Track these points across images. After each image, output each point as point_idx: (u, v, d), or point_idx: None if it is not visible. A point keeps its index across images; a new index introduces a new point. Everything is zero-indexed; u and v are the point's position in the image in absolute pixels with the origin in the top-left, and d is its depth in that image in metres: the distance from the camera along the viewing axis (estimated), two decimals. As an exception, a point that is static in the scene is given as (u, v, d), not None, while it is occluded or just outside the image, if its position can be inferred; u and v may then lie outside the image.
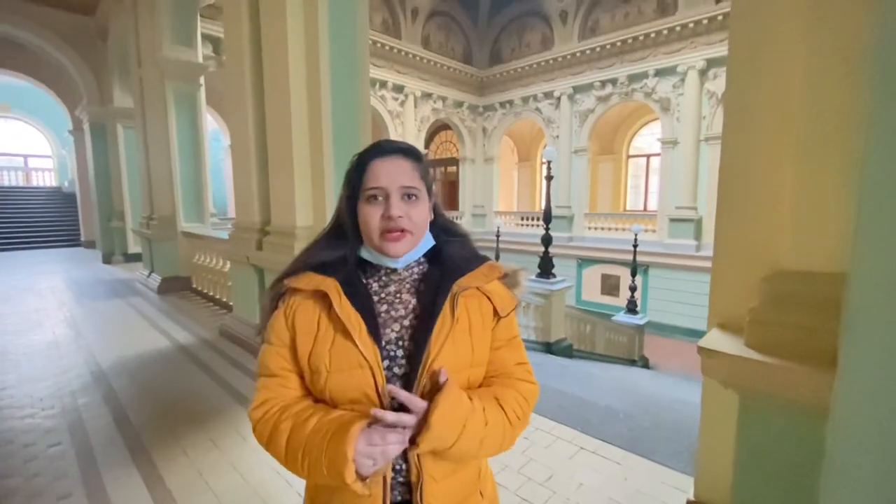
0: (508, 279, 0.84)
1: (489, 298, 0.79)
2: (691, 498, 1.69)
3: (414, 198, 0.76)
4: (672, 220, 12.39)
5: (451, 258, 0.81)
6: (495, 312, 0.79)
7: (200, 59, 6.39)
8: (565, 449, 2.36)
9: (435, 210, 0.84)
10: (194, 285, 6.18)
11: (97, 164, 9.52)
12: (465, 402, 0.70)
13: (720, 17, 10.86)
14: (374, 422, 0.65)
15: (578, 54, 13.78)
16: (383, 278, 0.80)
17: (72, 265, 9.20)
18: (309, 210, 3.43)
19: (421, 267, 0.82)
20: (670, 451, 2.33)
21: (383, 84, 13.59)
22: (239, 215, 4.24)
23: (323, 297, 0.74)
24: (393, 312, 0.77)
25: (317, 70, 3.19)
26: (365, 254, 0.79)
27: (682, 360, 9.77)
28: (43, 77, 11.19)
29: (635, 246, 10.99)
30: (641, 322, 9.95)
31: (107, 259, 9.34)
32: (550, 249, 7.56)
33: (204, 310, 5.32)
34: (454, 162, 18.13)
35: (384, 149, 0.78)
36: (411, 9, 13.69)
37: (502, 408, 0.74)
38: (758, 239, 1.38)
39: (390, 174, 0.75)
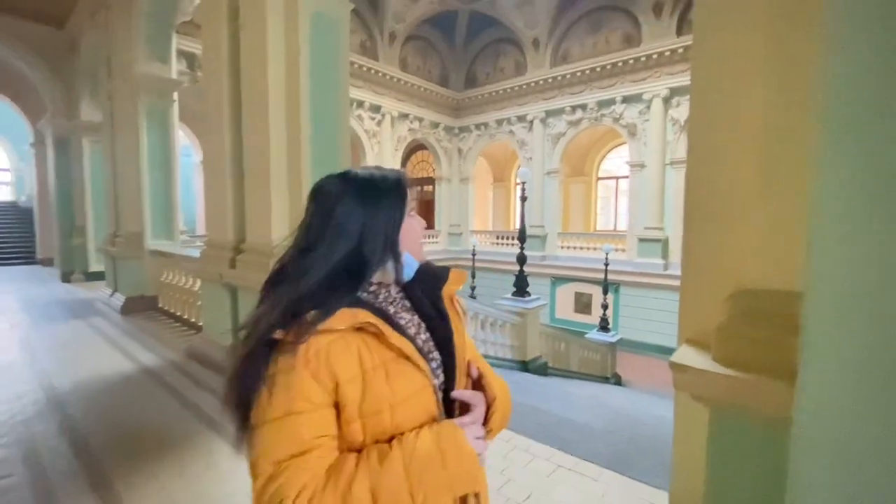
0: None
1: (458, 302, 0.89)
2: (666, 512, 1.72)
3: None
4: (641, 239, 12.82)
5: (425, 271, 0.86)
6: (462, 309, 0.89)
7: (175, 75, 6.31)
8: (543, 467, 2.37)
9: None
10: (161, 305, 5.94)
11: (59, 179, 9.13)
12: (501, 382, 0.83)
13: (681, 50, 11.55)
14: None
15: (550, 80, 14.32)
16: (381, 301, 0.80)
17: (27, 284, 8.70)
18: (286, 226, 3.39)
19: (398, 285, 0.85)
20: (646, 467, 2.37)
21: (360, 104, 13.70)
22: (211, 232, 4.15)
23: (358, 333, 0.67)
24: (409, 331, 0.78)
25: (296, 88, 3.20)
26: (389, 268, 0.77)
27: (654, 377, 9.98)
28: (3, 89, 10.76)
29: (606, 265, 11.29)
30: (613, 340, 10.15)
31: (66, 277, 8.88)
32: (525, 268, 7.68)
33: (171, 330, 5.11)
34: (430, 181, 18.31)
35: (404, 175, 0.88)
36: (389, 32, 13.96)
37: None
38: (723, 258, 1.46)
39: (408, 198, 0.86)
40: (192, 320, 5.13)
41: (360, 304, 0.71)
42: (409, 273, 0.81)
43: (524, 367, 6.63)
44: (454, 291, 0.87)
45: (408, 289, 0.84)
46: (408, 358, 0.70)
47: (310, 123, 3.25)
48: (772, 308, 1.30)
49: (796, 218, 1.28)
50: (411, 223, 0.83)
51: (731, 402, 1.29)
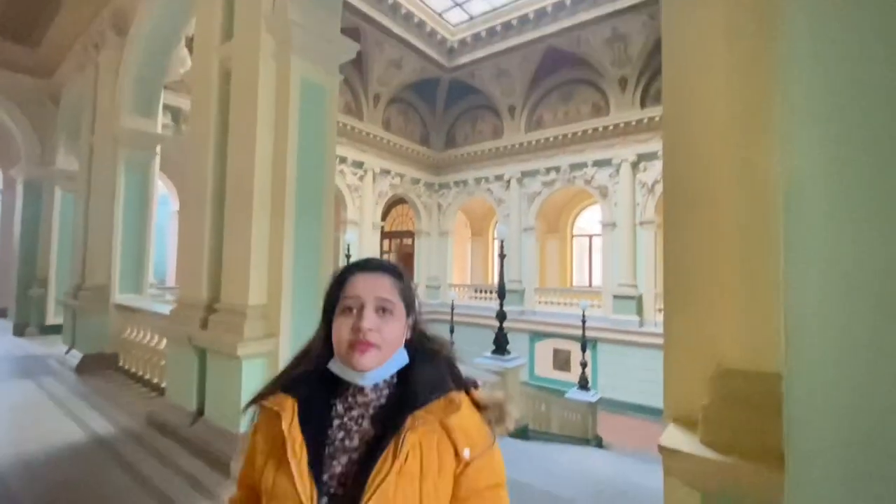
0: (490, 413, 0.76)
1: (450, 435, 0.69)
2: None
3: (388, 313, 0.75)
4: (616, 296, 13.06)
5: (415, 383, 0.74)
6: (457, 453, 0.69)
7: (159, 130, 6.37)
8: (529, 551, 2.23)
9: (417, 327, 0.83)
10: (121, 363, 5.58)
11: (25, 226, 8.80)
12: None
13: (645, 120, 12.47)
14: None
15: (525, 144, 15.11)
16: (349, 399, 0.75)
17: (-28, 338, 8.08)
18: (263, 288, 3.32)
19: (390, 389, 0.77)
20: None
21: (343, 160, 14.03)
22: (184, 290, 4.02)
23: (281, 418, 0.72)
24: (347, 442, 0.71)
25: (283, 154, 3.26)
26: (333, 367, 0.76)
27: (634, 438, 9.78)
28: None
29: (584, 321, 11.38)
30: (594, 399, 10.02)
31: (19, 331, 8.31)
32: (504, 323, 7.66)
33: (130, 392, 4.77)
34: (410, 234, 18.49)
35: (366, 265, 0.81)
36: (374, 94, 14.63)
37: None
38: (703, 338, 1.49)
39: (367, 287, 0.76)
40: (155, 381, 4.81)
41: (299, 390, 0.76)
42: (376, 379, 0.74)
43: (504, 430, 6.41)
44: (417, 427, 0.67)
45: (392, 397, 0.76)
46: (289, 463, 0.68)
47: (294, 188, 3.29)
48: (753, 390, 1.32)
49: (773, 299, 1.33)
50: (337, 320, 0.75)
51: (721, 489, 1.28)
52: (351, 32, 11.48)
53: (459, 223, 18.89)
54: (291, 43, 3.26)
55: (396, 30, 12.49)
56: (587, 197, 15.67)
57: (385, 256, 19.41)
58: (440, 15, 13.15)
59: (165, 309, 4.80)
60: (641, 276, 12.73)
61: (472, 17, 13.29)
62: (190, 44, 6.66)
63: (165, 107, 8.39)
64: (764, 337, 1.33)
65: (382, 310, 0.75)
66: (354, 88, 14.26)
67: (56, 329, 7.49)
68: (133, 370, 5.28)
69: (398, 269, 0.83)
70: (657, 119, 11.69)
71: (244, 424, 3.07)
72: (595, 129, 13.54)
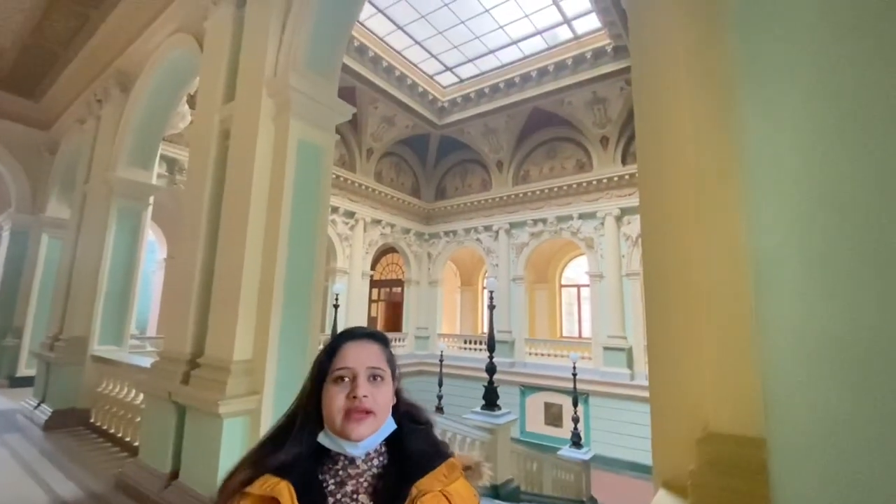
0: (471, 472, 0.83)
1: (449, 500, 0.74)
2: None
3: (380, 379, 0.78)
4: (605, 348, 12.98)
5: (411, 454, 0.78)
6: None
7: (154, 181, 6.48)
8: None
9: (398, 394, 0.85)
10: (93, 420, 5.31)
11: (7, 273, 8.64)
12: None
13: (627, 176, 13.01)
14: None
15: (513, 196, 15.58)
16: (340, 473, 0.76)
17: (-66, 391, 7.65)
18: (249, 343, 3.27)
19: (381, 459, 0.79)
20: None
21: (335, 209, 14.24)
22: (168, 343, 3.94)
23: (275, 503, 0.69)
24: None
25: (277, 211, 3.34)
26: (324, 439, 0.77)
27: (629, 499, 9.37)
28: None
29: (574, 375, 11.21)
30: (587, 457, 9.68)
31: (-15, 383, 7.92)
32: (494, 376, 7.51)
33: (100, 452, 4.52)
34: (399, 283, 18.44)
35: (355, 333, 0.84)
36: (367, 149, 15.15)
37: None
38: (688, 402, 1.52)
39: (359, 356, 0.78)
40: (128, 440, 4.58)
41: (291, 472, 0.72)
42: (368, 447, 0.76)
43: (495, 492, 6.12)
44: (423, 496, 0.71)
45: (388, 468, 0.78)
46: None
47: (287, 245, 3.34)
48: (738, 454, 1.33)
49: (753, 365, 1.37)
50: (330, 390, 0.77)
51: (713, 560, 1.25)
52: (347, 92, 12.09)
53: (449, 273, 18.96)
54: (291, 107, 3.44)
55: (390, 90, 13.17)
56: (574, 248, 15.97)
57: (373, 305, 19.21)
58: (431, 77, 13.95)
59: (145, 362, 4.67)
60: (630, 327, 12.75)
61: (461, 80, 14.11)
62: (191, 100, 6.97)
63: (161, 157, 8.59)
64: (747, 402, 1.36)
65: (373, 377, 0.78)
66: (348, 142, 14.77)
67: (27, 381, 7.17)
68: (105, 427, 5.03)
69: (382, 335, 0.87)
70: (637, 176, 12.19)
71: (221, 489, 2.91)
72: (579, 184, 14.06)
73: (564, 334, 17.07)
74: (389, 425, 0.80)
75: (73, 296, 6.04)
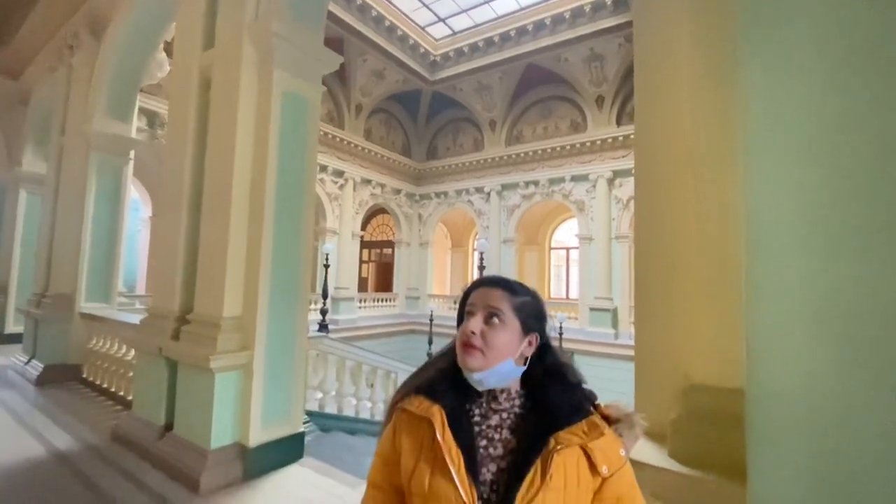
0: (621, 424, 0.82)
1: (589, 455, 0.75)
2: None
3: (496, 320, 0.81)
4: (592, 309, 13.28)
5: (553, 406, 0.80)
6: (596, 471, 0.75)
7: (134, 134, 6.22)
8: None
9: (544, 348, 0.87)
10: (85, 375, 5.36)
11: (-15, 231, 8.42)
12: None
13: (621, 138, 12.85)
14: None
15: (506, 157, 15.35)
16: (484, 406, 0.82)
17: (-79, 347, 7.62)
18: (239, 298, 3.26)
19: (521, 400, 0.83)
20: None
21: (324, 168, 13.94)
22: (155, 300, 3.91)
23: (430, 423, 0.77)
24: (492, 450, 0.77)
25: (263, 165, 3.24)
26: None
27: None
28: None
29: (560, 334, 11.50)
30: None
31: (-27, 340, 7.89)
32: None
33: (94, 406, 4.58)
34: (390, 244, 18.44)
35: (487, 280, 0.88)
36: (356, 104, 14.65)
37: None
38: (673, 354, 1.55)
39: (482, 297, 0.84)
40: (121, 394, 4.64)
41: (443, 397, 0.80)
42: (485, 382, 0.80)
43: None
44: (561, 448, 0.73)
45: (530, 413, 0.81)
46: (448, 466, 0.72)
47: (274, 199, 3.26)
48: (719, 405, 1.38)
49: (738, 317, 1.40)
50: (461, 326, 0.84)
51: (687, 501, 1.32)
52: (334, 43, 11.51)
53: (439, 234, 18.94)
54: (274, 55, 3.26)
55: (380, 42, 12.59)
56: (565, 210, 15.98)
57: (364, 266, 19.25)
58: (423, 29, 13.33)
59: (134, 319, 4.65)
60: (616, 289, 13.00)
61: (454, 32, 13.51)
62: (169, 48, 6.59)
63: (140, 110, 8.23)
64: (729, 353, 1.39)
65: (490, 316, 0.81)
66: (336, 97, 14.25)
67: (16, 338, 7.15)
68: (98, 382, 5.08)
69: (513, 284, 0.88)
70: (632, 137, 12.05)
71: (219, 439, 3.00)
72: (573, 146, 13.87)
73: (552, 296, 17.38)
74: (509, 370, 0.82)
75: (55, 254, 5.93)
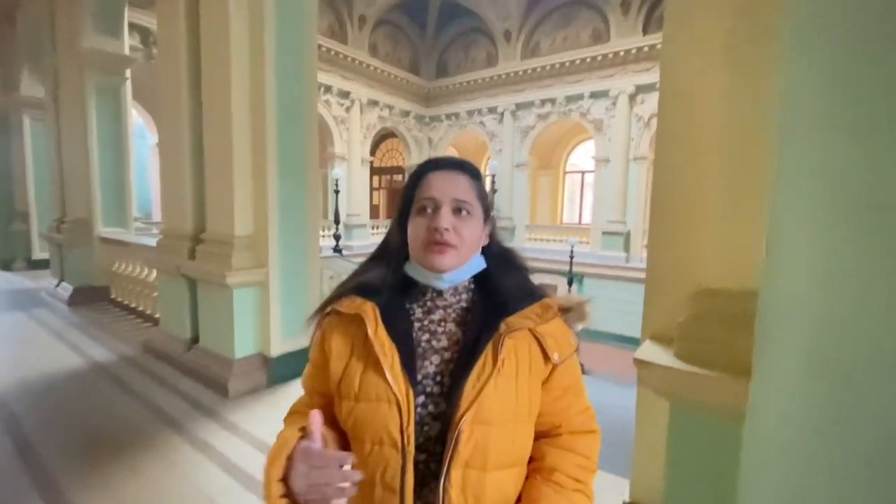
0: (572, 314, 0.77)
1: (540, 342, 0.71)
2: (627, 500, 1.80)
3: (465, 213, 0.73)
4: (604, 233, 13.19)
5: (503, 291, 0.74)
6: (547, 358, 0.71)
7: (127, 51, 5.90)
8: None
9: (491, 235, 0.80)
10: (113, 296, 5.63)
11: (-2, 160, 8.44)
12: None
13: (647, 48, 11.84)
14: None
15: (521, 73, 14.39)
16: (428, 303, 0.75)
17: (-41, 272, 8.03)
18: (249, 218, 3.27)
19: (469, 294, 0.77)
20: (606, 455, 2.45)
21: (328, 89, 13.32)
22: (168, 221, 3.95)
23: (361, 322, 0.71)
24: (434, 343, 0.72)
25: (261, 68, 3.06)
26: (410, 270, 0.76)
27: (612, 365, 10.36)
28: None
29: (571, 258, 11.57)
30: (576, 329, 10.46)
31: (6, 266, 8.26)
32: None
33: (125, 323, 4.86)
34: (400, 171, 18.12)
35: (442, 163, 0.78)
36: (358, 16, 13.59)
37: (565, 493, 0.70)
38: (685, 258, 1.51)
39: (444, 186, 0.73)
40: (148, 312, 4.89)
41: (377, 295, 0.74)
42: (455, 280, 0.74)
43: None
44: (512, 332, 0.68)
45: (477, 302, 0.76)
46: (380, 363, 0.67)
47: (275, 109, 3.13)
48: (731, 307, 1.36)
49: (755, 218, 1.33)
50: (413, 220, 0.74)
51: (690, 398, 1.35)
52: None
53: (451, 159, 18.47)
54: (262, -55, 2.93)
55: (382, -60, 11.34)
56: (581, 132, 15.27)
57: (374, 193, 19.11)
58: (430, -78, 11.91)
59: (152, 241, 4.75)
60: (631, 212, 12.79)
61: (465, -74, 12.06)
62: (151, -50, 6.01)
63: (133, 26, 7.76)
64: (742, 256, 1.35)
65: (459, 210, 0.73)
66: (338, 9, 13.20)
67: (44, 263, 7.44)
68: (125, 302, 5.34)
69: (473, 166, 0.79)
70: (659, 47, 11.11)
71: (243, 350, 3.17)
72: (594, 58, 12.87)
73: (565, 220, 17.23)
74: (476, 262, 0.76)
75: (67, 180, 5.95)
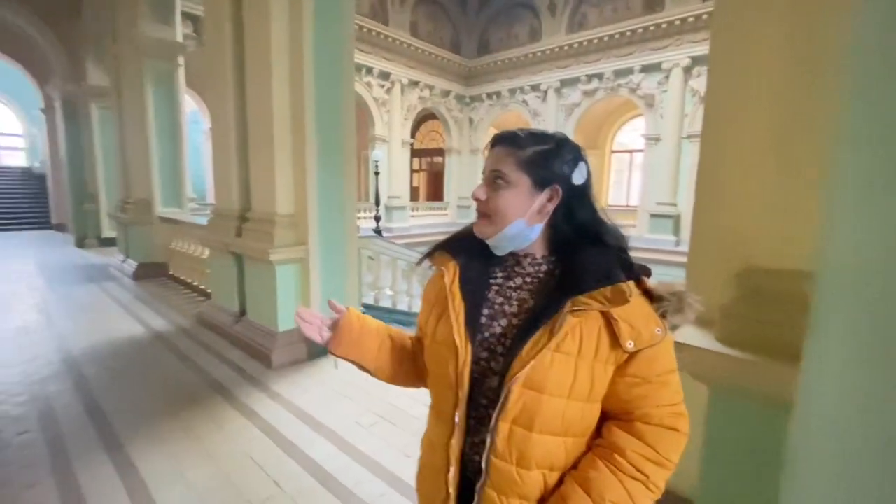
0: (666, 303, 0.72)
1: (613, 326, 0.67)
2: (660, 486, 1.74)
3: (501, 182, 0.73)
4: (652, 215, 12.60)
5: (579, 268, 0.71)
6: (620, 344, 0.67)
7: (180, 38, 6.19)
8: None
9: (570, 206, 0.75)
10: (171, 272, 6.04)
11: (70, 145, 9.16)
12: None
13: (705, 16, 10.98)
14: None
15: (566, 48, 13.80)
16: (509, 270, 0.79)
17: (43, 249, 8.89)
18: (290, 197, 3.38)
19: (549, 266, 0.77)
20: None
21: (369, 70, 13.38)
22: (218, 201, 4.15)
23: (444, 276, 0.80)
24: (507, 307, 0.76)
25: (300, 54, 3.14)
26: None
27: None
28: (12, 51, 10.66)
29: (617, 240, 11.16)
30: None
31: (80, 243, 9.05)
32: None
33: (181, 297, 5.21)
34: (440, 152, 18.06)
35: (495, 138, 0.80)
36: (399, -6, 13.47)
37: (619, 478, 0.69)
38: (732, 235, 1.41)
39: (489, 159, 0.78)
40: (202, 287, 5.21)
41: (462, 255, 0.81)
42: (500, 247, 0.78)
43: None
44: (578, 311, 0.67)
45: (553, 275, 0.76)
46: (450, 316, 0.75)
47: (314, 92, 3.19)
48: (779, 288, 1.25)
49: (808, 196, 1.21)
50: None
51: (731, 383, 1.27)
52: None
53: (492, 139, 18.17)
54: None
55: (423, -87, 11.08)
56: (630, 108, 14.51)
57: (415, 175, 19.19)
58: None
59: (204, 221, 5.03)
60: (682, 193, 12.10)
61: None
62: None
63: (185, 15, 8.07)
64: (797, 232, 1.23)
65: (495, 179, 0.75)
66: (379, -12, 13.14)
67: (112, 241, 8.09)
68: (182, 277, 5.72)
69: (519, 137, 0.76)
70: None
71: (285, 323, 3.32)
72: (646, 28, 12.10)
73: (611, 203, 16.59)
74: (518, 229, 0.74)
75: (129, 163, 6.38)
